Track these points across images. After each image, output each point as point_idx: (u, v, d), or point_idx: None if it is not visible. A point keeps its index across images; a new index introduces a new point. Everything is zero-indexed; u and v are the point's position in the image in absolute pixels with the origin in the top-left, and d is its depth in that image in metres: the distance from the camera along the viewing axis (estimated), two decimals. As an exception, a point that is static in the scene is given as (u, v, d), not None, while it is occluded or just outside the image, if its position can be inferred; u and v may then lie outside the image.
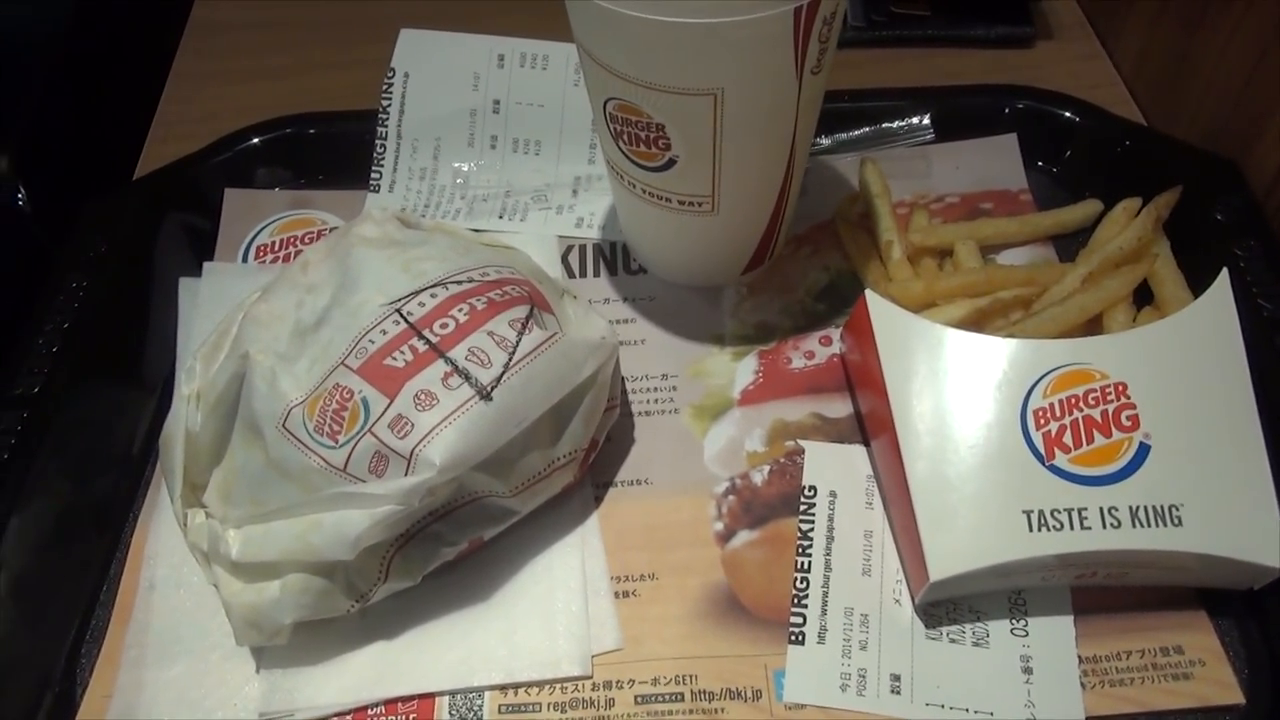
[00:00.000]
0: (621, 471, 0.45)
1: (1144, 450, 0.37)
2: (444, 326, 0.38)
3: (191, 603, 0.41)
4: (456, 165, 0.56)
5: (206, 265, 0.52)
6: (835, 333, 0.49)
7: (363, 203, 0.55)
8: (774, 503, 0.43)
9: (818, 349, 0.48)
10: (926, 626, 0.39)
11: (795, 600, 0.40)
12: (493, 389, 0.37)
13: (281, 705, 0.38)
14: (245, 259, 0.53)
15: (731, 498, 0.44)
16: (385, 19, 0.60)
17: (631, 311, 0.50)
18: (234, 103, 0.61)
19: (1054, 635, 0.39)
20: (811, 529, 0.42)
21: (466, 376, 0.37)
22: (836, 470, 0.44)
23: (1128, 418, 0.38)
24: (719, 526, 0.43)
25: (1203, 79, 0.53)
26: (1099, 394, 0.38)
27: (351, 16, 0.67)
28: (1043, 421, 0.38)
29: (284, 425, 0.38)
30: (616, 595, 0.41)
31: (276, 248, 0.54)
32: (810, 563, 0.41)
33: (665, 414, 0.47)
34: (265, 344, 0.40)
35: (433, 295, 0.40)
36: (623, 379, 0.47)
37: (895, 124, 0.56)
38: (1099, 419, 0.38)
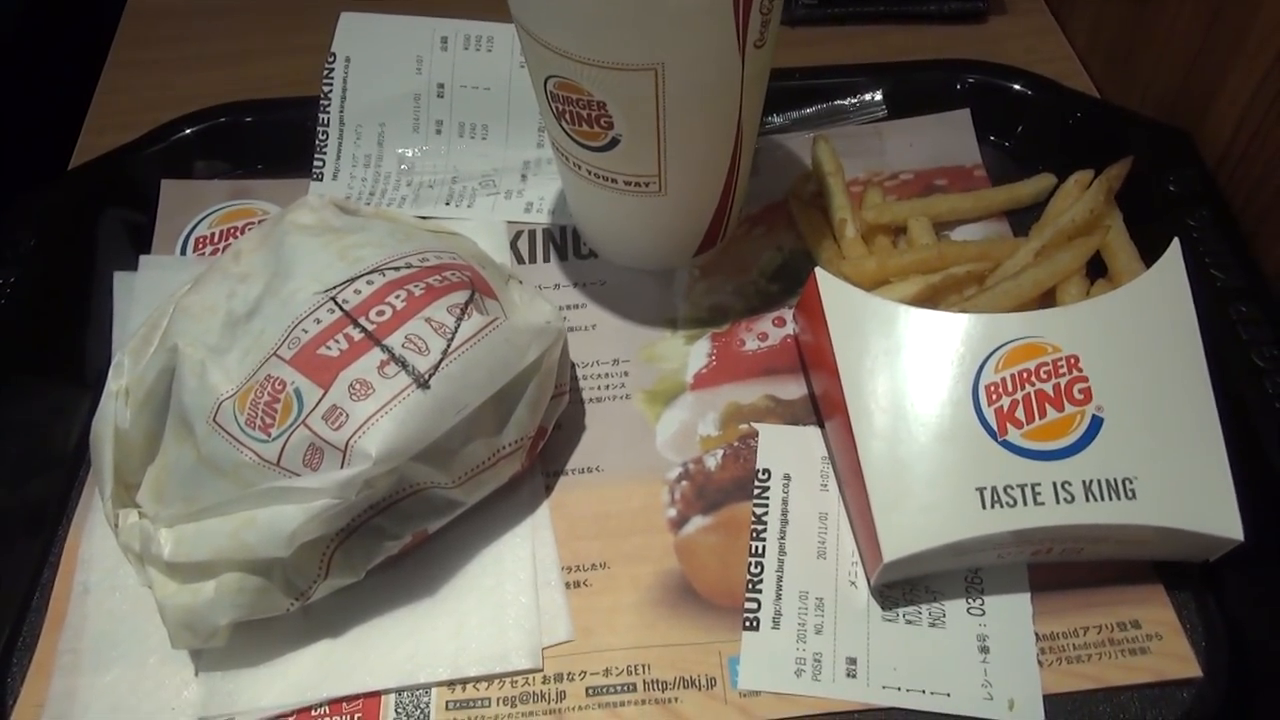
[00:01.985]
0: (572, 459, 0.44)
1: (1097, 423, 0.37)
2: (380, 314, 0.37)
3: (127, 606, 0.40)
4: (401, 151, 0.54)
5: (143, 258, 0.50)
6: (788, 313, 0.48)
7: (305, 191, 0.54)
8: (728, 487, 0.42)
9: (771, 330, 0.47)
10: (882, 608, 0.39)
11: (749, 585, 0.40)
12: (430, 376, 0.36)
13: (222, 708, 0.37)
14: (184, 251, 0.52)
15: (684, 483, 0.43)
16: (327, 3, 0.59)
17: (582, 296, 0.49)
18: (174, 92, 0.59)
19: (1011, 613, 0.38)
20: (766, 513, 0.41)
21: (403, 364, 0.36)
22: (790, 453, 0.43)
23: (1080, 391, 0.37)
24: (672, 513, 0.42)
25: (1155, 50, 0.53)
26: (1051, 367, 0.38)
27: (293, 2, 0.65)
28: (994, 397, 0.38)
29: (214, 419, 0.36)
30: (567, 585, 0.40)
31: (216, 239, 0.52)
32: (764, 547, 0.40)
33: (617, 400, 0.46)
34: (195, 336, 0.38)
35: (369, 282, 0.38)
36: (573, 365, 0.46)
37: (848, 101, 0.55)
38: (1051, 393, 0.37)
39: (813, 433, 0.44)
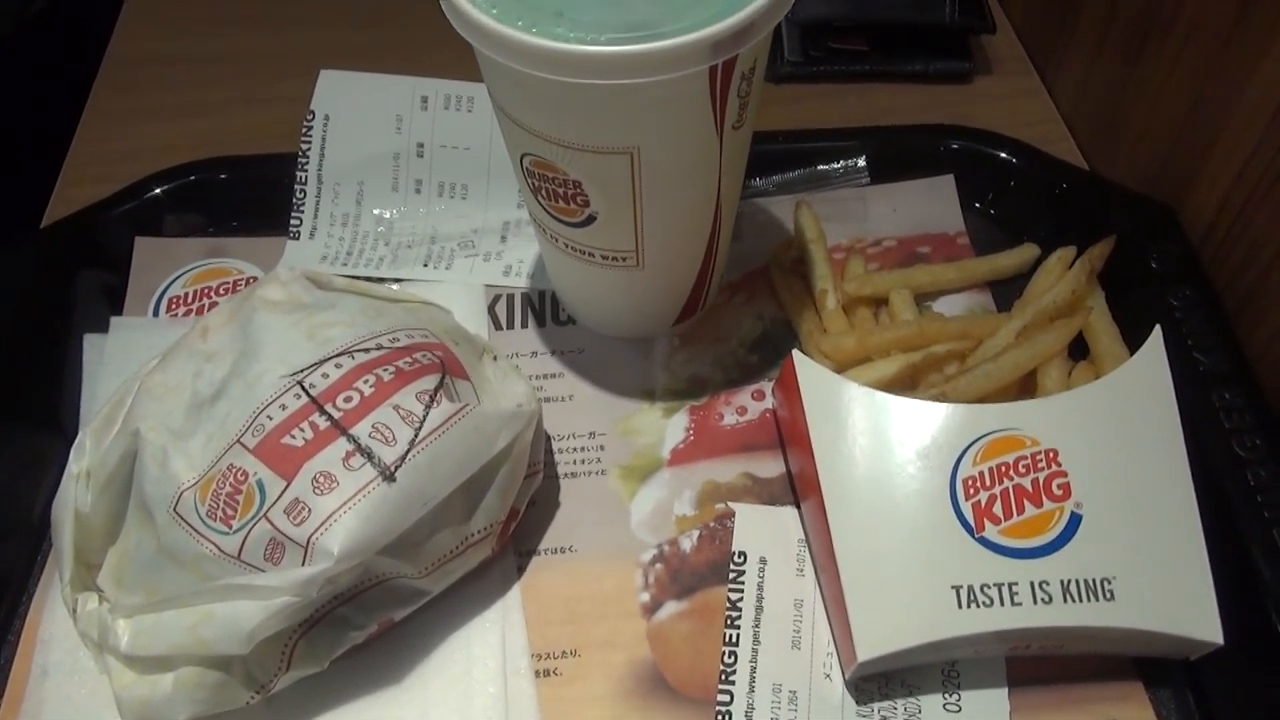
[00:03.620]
0: (545, 539, 0.43)
1: (1075, 520, 0.36)
2: (348, 400, 0.36)
3: (86, 691, 0.39)
4: (379, 211, 0.54)
5: (114, 320, 0.50)
6: (768, 386, 0.47)
7: (282, 250, 0.53)
8: (703, 571, 0.42)
9: (750, 404, 0.47)
10: (857, 703, 0.38)
11: (722, 676, 0.39)
12: (396, 469, 0.35)
13: (179, 803, 0.36)
14: (157, 311, 0.51)
15: (659, 566, 0.42)
16: (309, 53, 0.58)
17: (559, 365, 0.49)
18: (153, 142, 0.59)
19: (988, 710, 0.38)
20: (741, 599, 0.41)
21: (369, 456, 0.35)
22: (767, 534, 0.42)
23: (1059, 486, 0.37)
24: (645, 597, 0.41)
25: (1141, 119, 0.53)
26: (1029, 461, 0.37)
27: (275, 50, 0.65)
28: (972, 491, 0.37)
29: (175, 509, 0.35)
30: (537, 674, 0.39)
31: (190, 299, 0.51)
32: (739, 635, 0.40)
33: (592, 475, 0.45)
34: (158, 419, 0.37)
35: (338, 365, 0.38)
36: (548, 438, 0.46)
37: (832, 165, 0.55)
38: (1029, 488, 0.37)
39: (790, 513, 0.43)
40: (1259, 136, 0.44)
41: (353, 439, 0.35)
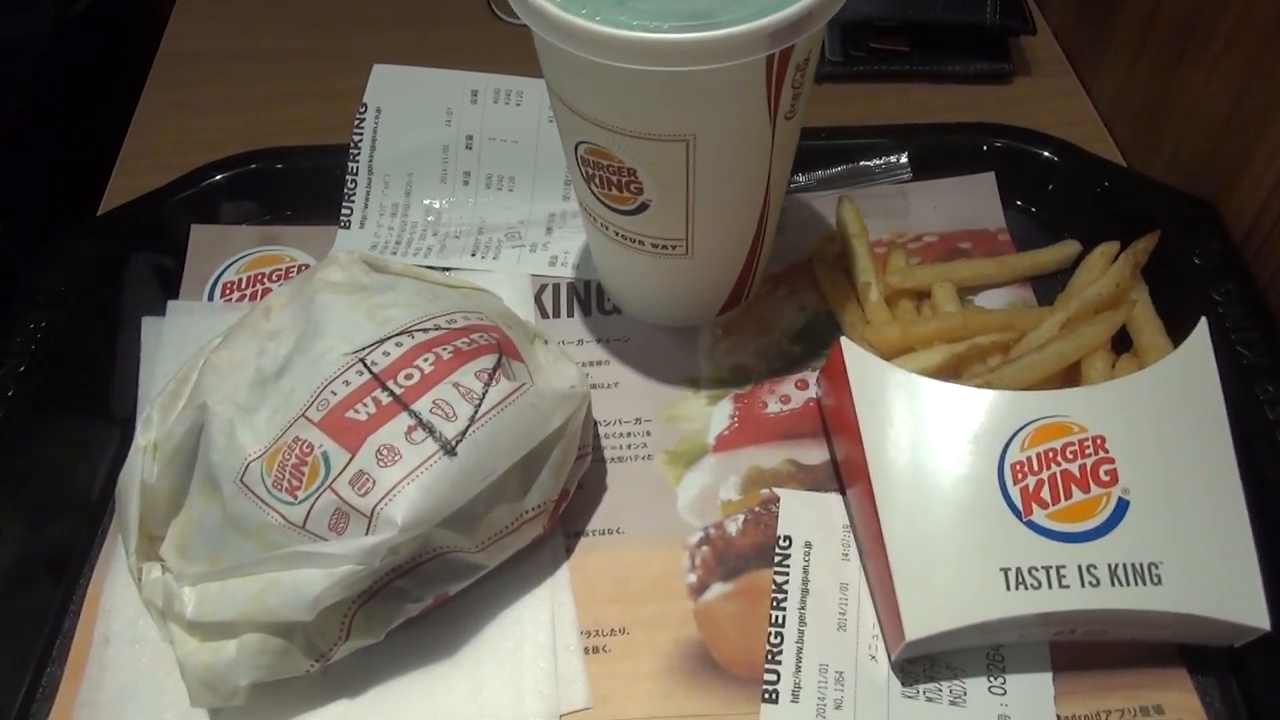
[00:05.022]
0: (593, 521, 0.44)
1: (1123, 506, 0.37)
2: (409, 377, 0.37)
3: (147, 659, 0.40)
4: (428, 202, 0.55)
5: (170, 304, 0.51)
6: (811, 376, 0.48)
7: (333, 239, 0.54)
8: (748, 554, 0.42)
9: (794, 393, 0.47)
10: (903, 684, 0.38)
11: (769, 656, 0.39)
12: (457, 443, 0.36)
13: (238, 768, 0.37)
14: (211, 297, 0.52)
15: (705, 548, 0.43)
16: (359, 49, 0.60)
17: (605, 353, 0.50)
18: (204, 135, 0.60)
19: (1032, 694, 0.38)
20: (786, 581, 0.41)
21: (430, 430, 0.36)
22: (812, 520, 0.43)
23: (1106, 472, 0.37)
24: (692, 579, 0.42)
25: (1181, 119, 0.53)
26: (1077, 447, 0.38)
27: (325, 47, 0.66)
28: (1020, 476, 0.38)
29: (242, 480, 0.36)
30: (586, 650, 0.40)
31: (243, 285, 0.53)
32: (785, 617, 0.40)
33: (638, 460, 0.46)
34: (224, 394, 0.38)
35: (398, 344, 0.39)
36: (595, 424, 0.46)
37: (874, 162, 0.56)
38: (1077, 473, 0.37)
39: (834, 499, 0.44)
40: (1303, 135, 0.44)
41: (414, 414, 0.36)
